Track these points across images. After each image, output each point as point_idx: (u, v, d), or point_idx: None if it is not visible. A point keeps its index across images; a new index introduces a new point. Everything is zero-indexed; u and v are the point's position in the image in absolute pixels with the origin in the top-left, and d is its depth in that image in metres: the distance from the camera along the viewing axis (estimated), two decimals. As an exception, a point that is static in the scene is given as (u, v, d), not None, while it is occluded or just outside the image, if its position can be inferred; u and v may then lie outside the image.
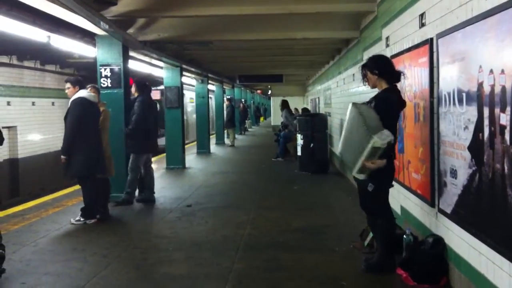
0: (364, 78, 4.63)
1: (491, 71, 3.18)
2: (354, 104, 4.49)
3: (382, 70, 4.51)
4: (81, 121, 6.47)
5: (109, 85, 8.21)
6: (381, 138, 4.15)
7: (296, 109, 17.04)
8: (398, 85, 4.65)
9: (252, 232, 6.14)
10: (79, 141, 6.46)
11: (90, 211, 6.72)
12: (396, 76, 4.54)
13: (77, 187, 7.10)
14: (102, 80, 8.21)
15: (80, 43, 9.22)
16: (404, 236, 4.66)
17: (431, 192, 4.52)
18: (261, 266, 4.85)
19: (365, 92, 6.83)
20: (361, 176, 4.44)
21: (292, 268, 4.79)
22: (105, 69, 8.25)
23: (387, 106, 4.39)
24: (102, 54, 8.31)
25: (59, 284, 4.47)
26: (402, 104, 4.64)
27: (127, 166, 7.93)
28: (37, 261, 5.08)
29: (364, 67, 4.63)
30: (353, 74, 9.27)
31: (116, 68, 8.22)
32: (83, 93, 6.67)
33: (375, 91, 4.67)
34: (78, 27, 7.93)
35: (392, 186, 4.68)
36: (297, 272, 4.67)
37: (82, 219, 6.65)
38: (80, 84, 6.81)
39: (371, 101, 4.54)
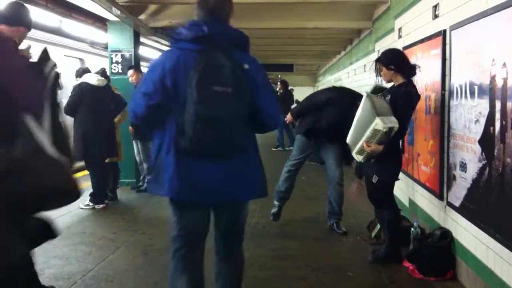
0: (379, 73, 4.54)
1: (504, 64, 3.15)
2: (368, 94, 4.46)
3: (398, 65, 4.42)
4: (75, 105, 6.48)
5: (120, 71, 8.26)
6: (384, 122, 4.10)
7: None
8: (411, 76, 4.62)
9: (259, 221, 6.15)
10: (76, 127, 6.50)
11: (98, 196, 6.76)
12: (412, 70, 4.46)
13: (87, 171, 7.14)
14: (112, 65, 8.27)
15: (91, 28, 9.24)
16: (412, 228, 4.66)
17: (440, 185, 4.51)
18: (268, 255, 4.86)
19: (376, 83, 6.79)
20: (359, 158, 4.45)
21: (299, 257, 4.80)
22: (116, 55, 8.29)
23: (407, 102, 4.35)
24: (113, 40, 8.34)
25: (67, 267, 4.51)
26: (418, 97, 4.58)
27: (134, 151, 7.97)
28: (45, 245, 5.07)
29: (378, 61, 4.54)
30: (364, 65, 9.22)
31: (127, 54, 8.26)
32: (87, 77, 6.67)
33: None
34: (90, 12, 7.94)
35: (398, 179, 4.66)
36: (304, 261, 4.69)
37: (91, 204, 6.70)
38: (82, 73, 6.82)
39: (385, 94, 4.50)
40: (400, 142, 4.55)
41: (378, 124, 4.10)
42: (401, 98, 4.31)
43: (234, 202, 2.84)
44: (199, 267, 2.93)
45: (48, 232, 1.95)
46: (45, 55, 2.70)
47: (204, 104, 2.51)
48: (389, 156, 4.40)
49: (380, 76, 4.56)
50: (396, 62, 4.45)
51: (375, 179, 4.43)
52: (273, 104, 2.84)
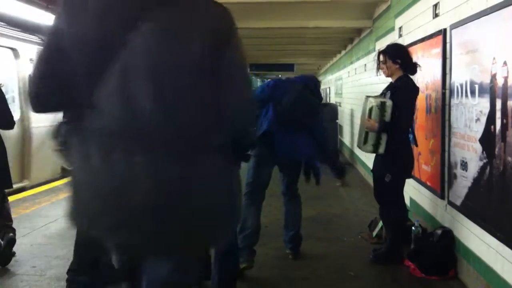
0: (382, 64, 4.50)
1: (505, 63, 3.15)
2: (367, 96, 4.49)
3: (405, 60, 4.42)
4: None
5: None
6: (375, 98, 4.36)
7: None
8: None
9: (261, 221, 6.13)
10: None
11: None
12: (414, 67, 4.47)
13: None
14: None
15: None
16: (413, 227, 4.65)
17: (441, 184, 4.51)
18: (270, 254, 4.87)
19: (377, 82, 6.79)
20: (366, 148, 4.47)
21: (300, 257, 4.80)
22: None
23: (409, 93, 4.37)
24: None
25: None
26: (417, 89, 4.56)
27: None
28: (47, 245, 5.13)
29: (384, 53, 4.49)
30: (365, 64, 9.22)
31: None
32: None
33: (388, 81, 4.63)
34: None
35: (410, 177, 4.65)
36: (305, 261, 4.69)
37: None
38: None
39: (384, 92, 4.49)
40: (411, 137, 4.54)
41: (370, 101, 4.37)
42: (402, 93, 4.34)
43: (293, 161, 4.74)
44: (259, 206, 4.75)
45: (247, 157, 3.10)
46: None
47: (289, 99, 4.39)
48: (397, 153, 4.38)
49: (381, 68, 4.54)
50: (403, 57, 4.45)
51: (388, 178, 4.39)
52: None
